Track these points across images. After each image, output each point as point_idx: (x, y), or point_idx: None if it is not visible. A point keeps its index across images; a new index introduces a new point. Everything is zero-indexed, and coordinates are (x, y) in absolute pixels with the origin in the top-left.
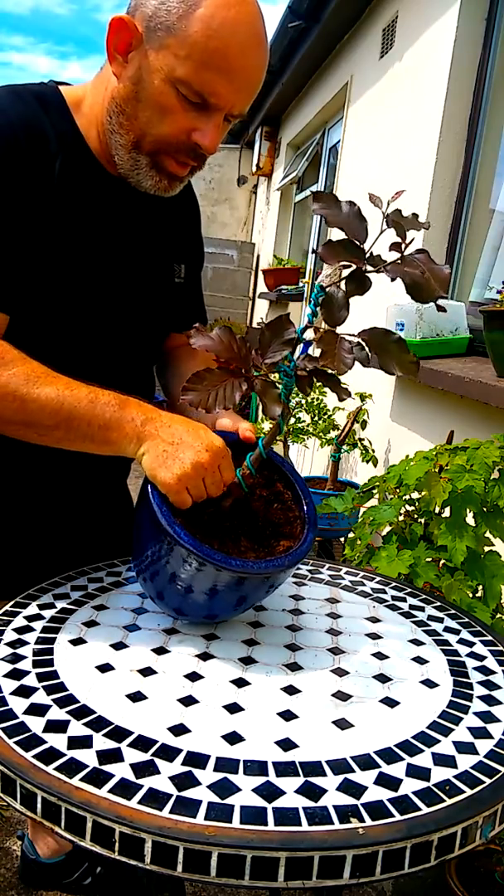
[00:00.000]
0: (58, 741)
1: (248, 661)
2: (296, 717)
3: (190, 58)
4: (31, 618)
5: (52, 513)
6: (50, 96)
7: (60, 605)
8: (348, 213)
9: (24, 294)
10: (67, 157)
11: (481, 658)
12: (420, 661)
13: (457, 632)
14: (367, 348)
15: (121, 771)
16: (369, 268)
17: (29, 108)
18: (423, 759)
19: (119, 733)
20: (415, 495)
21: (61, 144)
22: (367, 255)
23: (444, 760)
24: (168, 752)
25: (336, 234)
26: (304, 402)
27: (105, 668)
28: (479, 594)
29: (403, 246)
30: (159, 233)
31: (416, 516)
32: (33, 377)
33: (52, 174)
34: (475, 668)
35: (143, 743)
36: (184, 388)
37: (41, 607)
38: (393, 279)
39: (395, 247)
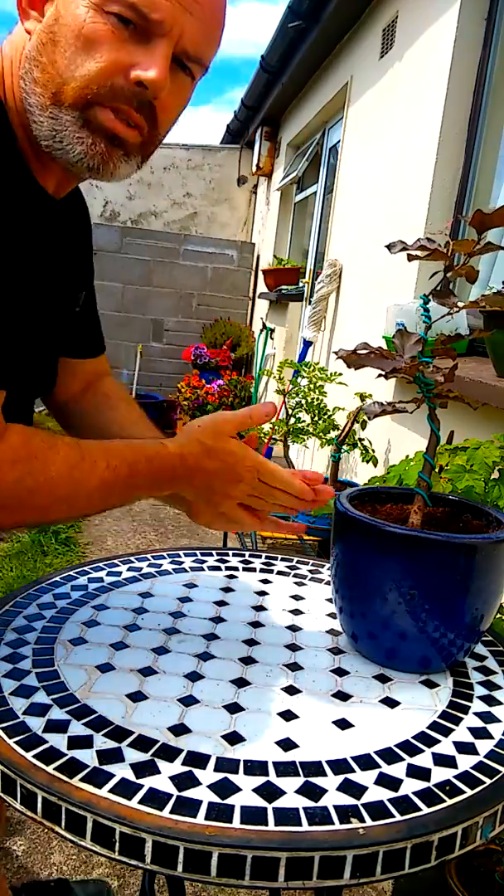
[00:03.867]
0: (58, 741)
1: (248, 660)
2: (296, 717)
3: None
4: (31, 618)
5: None
6: None
7: (60, 604)
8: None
9: None
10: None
11: (481, 658)
12: None
13: None
14: None
15: (121, 771)
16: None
17: None
18: (423, 759)
19: (119, 733)
20: None
21: None
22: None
23: (444, 760)
24: (168, 752)
25: (336, 234)
26: (304, 402)
27: (105, 668)
28: None
29: None
30: (71, 259)
31: None
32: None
33: None
34: (475, 668)
35: (143, 743)
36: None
37: (41, 607)
38: None
39: None
